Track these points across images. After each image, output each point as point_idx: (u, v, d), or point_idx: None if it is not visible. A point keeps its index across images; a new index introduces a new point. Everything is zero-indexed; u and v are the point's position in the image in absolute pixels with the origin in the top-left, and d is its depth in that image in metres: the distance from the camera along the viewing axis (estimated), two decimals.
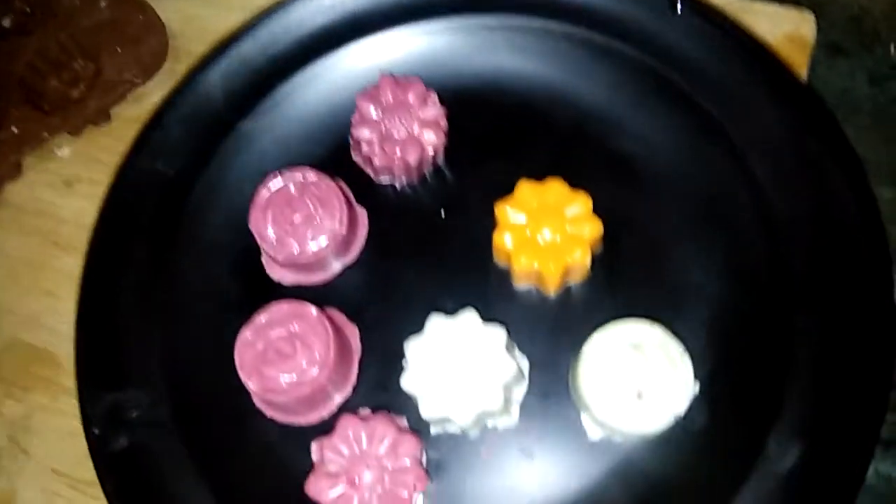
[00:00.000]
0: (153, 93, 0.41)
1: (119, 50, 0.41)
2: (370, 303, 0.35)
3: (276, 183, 0.34)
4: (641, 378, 0.29)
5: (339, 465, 0.30)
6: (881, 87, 0.40)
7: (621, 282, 0.34)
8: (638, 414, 0.29)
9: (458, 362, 0.31)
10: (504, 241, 0.33)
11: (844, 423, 0.30)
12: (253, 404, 0.33)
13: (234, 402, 0.33)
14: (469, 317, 0.31)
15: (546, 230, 0.33)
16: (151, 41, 0.42)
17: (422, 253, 0.36)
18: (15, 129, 0.40)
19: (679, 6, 0.35)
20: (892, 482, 0.34)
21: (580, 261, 0.32)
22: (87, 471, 0.33)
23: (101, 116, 0.41)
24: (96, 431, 0.33)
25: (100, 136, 0.42)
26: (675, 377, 0.29)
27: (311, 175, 0.34)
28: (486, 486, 0.32)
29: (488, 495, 0.32)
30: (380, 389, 0.33)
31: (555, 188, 0.33)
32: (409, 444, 0.30)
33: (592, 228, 0.33)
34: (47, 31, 0.42)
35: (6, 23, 0.42)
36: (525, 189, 0.34)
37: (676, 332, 0.31)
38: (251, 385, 0.32)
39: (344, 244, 0.35)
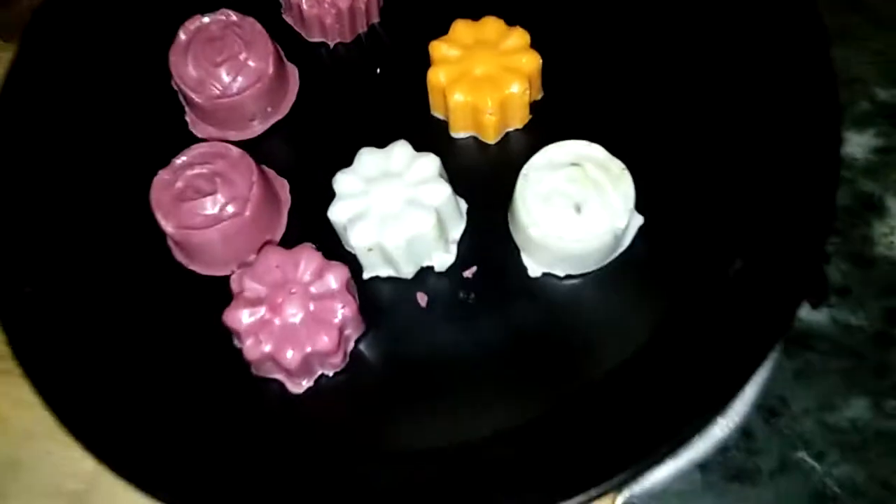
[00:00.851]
0: None
1: None
2: (298, 158, 0.33)
3: (196, 23, 0.32)
4: (580, 192, 0.28)
5: (259, 292, 0.27)
6: None
7: (560, 128, 0.32)
8: (577, 229, 0.27)
9: (389, 188, 0.29)
10: (438, 77, 0.31)
11: (781, 268, 0.28)
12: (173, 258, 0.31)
13: (157, 259, 0.31)
14: (400, 146, 0.30)
15: (481, 64, 0.31)
16: None
17: (355, 109, 0.34)
18: None
19: None
20: (850, 329, 0.32)
21: (518, 96, 0.31)
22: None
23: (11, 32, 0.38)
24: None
25: None
26: (615, 192, 0.28)
27: (234, 15, 0.32)
28: (424, 330, 0.29)
29: (427, 340, 0.29)
30: (310, 238, 0.31)
31: (491, 24, 0.32)
32: (337, 270, 0.28)
33: (530, 60, 0.31)
34: None
35: None
36: (460, 27, 0.32)
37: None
38: (168, 226, 0.29)
39: (272, 95, 0.33)
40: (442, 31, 0.34)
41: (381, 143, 0.32)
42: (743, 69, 0.32)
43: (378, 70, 0.35)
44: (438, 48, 0.32)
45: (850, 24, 0.38)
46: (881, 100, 0.36)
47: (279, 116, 0.34)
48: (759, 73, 0.32)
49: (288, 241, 0.31)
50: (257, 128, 0.34)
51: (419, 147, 0.32)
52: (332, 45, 0.35)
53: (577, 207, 0.28)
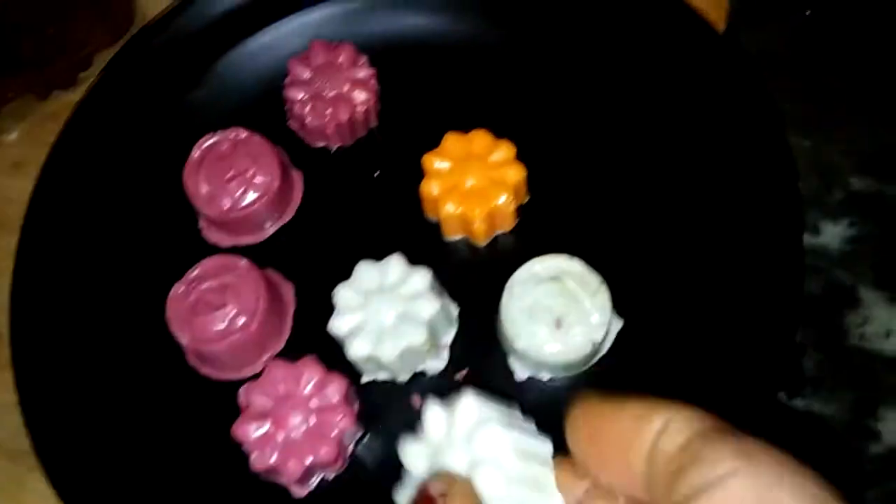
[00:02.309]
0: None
1: (86, 13, 0.42)
2: (305, 260, 0.36)
3: (208, 141, 0.35)
4: (560, 307, 0.30)
5: (265, 407, 0.30)
6: (801, 41, 0.41)
7: (546, 229, 0.35)
8: (558, 342, 0.29)
9: (384, 302, 0.31)
10: (430, 189, 0.34)
11: (753, 362, 0.30)
12: (188, 364, 0.34)
13: (171, 364, 0.34)
14: (395, 260, 0.32)
15: (470, 177, 0.34)
16: (119, 5, 0.42)
17: (355, 212, 0.37)
18: None
19: None
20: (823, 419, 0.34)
21: (505, 206, 0.33)
22: (24, 442, 0.33)
23: (68, 80, 0.42)
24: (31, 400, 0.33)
25: (47, 121, 0.43)
26: (592, 306, 0.30)
27: (244, 133, 0.35)
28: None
29: None
30: (314, 342, 0.34)
31: (480, 137, 0.34)
32: (336, 383, 0.30)
33: (515, 173, 0.33)
34: None
35: None
36: (451, 140, 0.34)
37: (600, 272, 0.32)
38: (182, 338, 0.32)
39: (278, 204, 0.36)
40: (435, 135, 0.36)
41: (379, 243, 0.35)
42: (708, 174, 0.34)
43: (376, 173, 0.37)
44: (431, 161, 0.34)
45: (824, 113, 0.39)
46: (855, 189, 0.38)
47: (286, 220, 0.37)
48: (724, 177, 0.34)
49: (294, 344, 0.34)
50: (266, 232, 0.36)
51: (414, 248, 0.34)
52: (333, 149, 0.38)
53: (558, 322, 0.30)
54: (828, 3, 0.42)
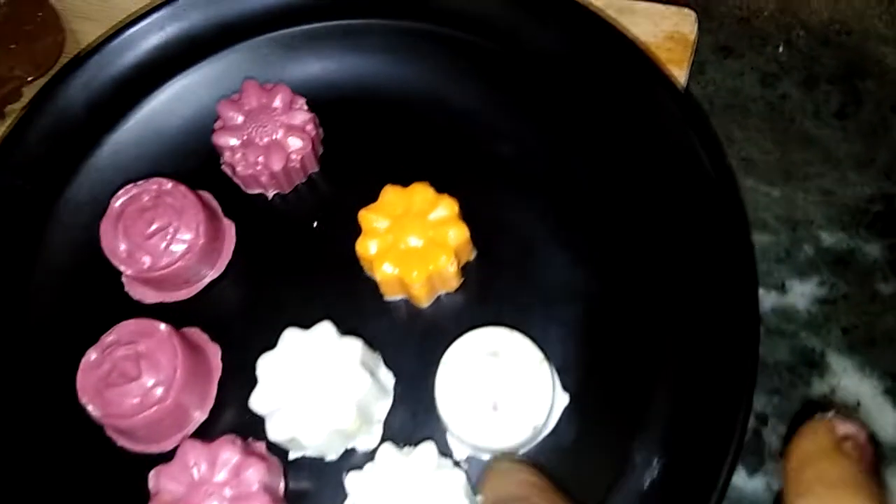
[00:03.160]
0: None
1: (12, 46, 0.40)
2: (234, 320, 0.33)
3: (128, 193, 0.33)
4: (497, 389, 0.27)
5: (176, 494, 0.27)
6: (771, 87, 0.39)
7: (492, 290, 0.32)
8: (495, 427, 0.27)
9: (309, 378, 0.29)
10: (366, 248, 0.31)
11: (705, 435, 0.28)
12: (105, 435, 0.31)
13: (88, 435, 0.31)
14: (324, 329, 0.30)
15: (409, 236, 0.31)
16: (47, 39, 0.40)
17: (291, 266, 0.34)
18: None
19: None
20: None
21: (445, 267, 0.31)
22: None
23: None
24: None
25: None
26: (532, 386, 0.27)
27: (167, 184, 0.33)
28: None
29: None
30: (240, 411, 0.31)
31: (420, 192, 0.32)
32: (255, 469, 0.28)
33: (458, 233, 0.31)
34: None
35: None
36: (390, 194, 0.32)
37: (546, 341, 0.30)
38: (92, 410, 0.30)
39: (206, 258, 0.33)
40: (376, 183, 0.34)
41: (314, 301, 0.33)
42: (661, 232, 0.32)
43: (315, 224, 0.35)
44: (368, 218, 0.32)
45: (799, 160, 0.37)
46: (826, 245, 0.35)
47: (215, 274, 0.34)
48: (676, 235, 0.31)
49: (218, 414, 0.32)
50: (193, 287, 0.34)
51: (350, 309, 0.32)
52: (270, 196, 0.36)
53: (495, 405, 0.27)
54: (801, 39, 0.39)
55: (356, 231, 0.33)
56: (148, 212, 0.32)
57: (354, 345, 0.29)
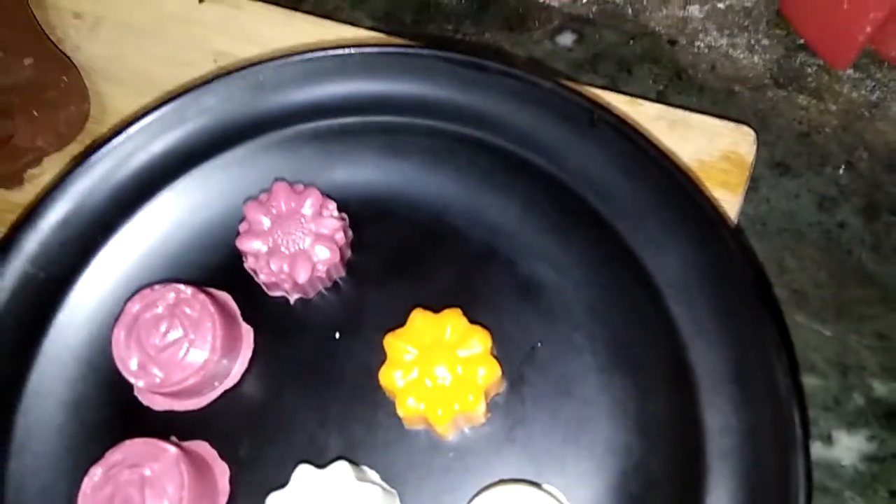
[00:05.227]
0: (54, 170, 0.39)
1: (35, 113, 0.38)
2: (245, 437, 0.31)
3: (144, 298, 0.31)
4: None
5: None
6: (828, 212, 0.36)
7: (521, 428, 0.30)
8: None
9: None
10: (391, 379, 0.30)
11: None
12: None
13: None
14: (340, 470, 0.28)
15: (437, 370, 0.29)
16: (70, 108, 0.39)
17: (308, 381, 0.32)
18: None
19: (598, 120, 0.32)
20: None
21: (472, 407, 0.29)
22: None
23: (11, 181, 0.38)
24: None
25: None
26: None
27: (186, 291, 0.31)
28: None
29: None
30: None
31: (451, 321, 0.30)
32: None
33: (488, 372, 0.29)
34: None
35: None
36: (419, 320, 0.30)
37: (575, 492, 0.28)
38: None
39: (221, 369, 0.32)
40: (408, 292, 0.32)
41: (330, 423, 0.31)
42: (704, 381, 0.30)
43: (337, 335, 0.33)
44: (394, 346, 0.30)
45: (854, 298, 0.35)
46: (878, 396, 0.33)
47: (229, 385, 0.32)
48: (718, 387, 0.29)
49: None
50: (205, 398, 0.32)
51: (368, 432, 0.30)
52: (292, 301, 0.34)
53: None
54: (863, 162, 0.37)
55: (379, 346, 0.31)
56: (163, 321, 0.31)
57: (372, 492, 0.27)
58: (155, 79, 0.40)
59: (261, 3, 0.43)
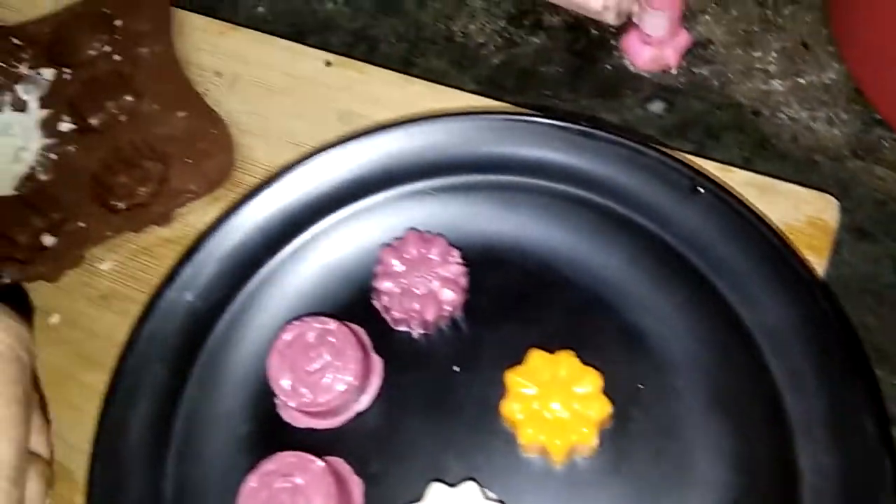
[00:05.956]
0: (200, 211, 0.44)
1: (188, 161, 0.43)
2: (376, 456, 0.35)
3: (295, 330, 0.35)
4: None
5: None
6: None
7: (628, 461, 0.34)
8: None
9: None
10: (512, 410, 0.33)
11: None
12: None
13: None
14: (470, 490, 0.31)
15: (554, 405, 0.33)
16: (218, 157, 0.43)
17: (432, 408, 0.36)
18: (82, 224, 0.43)
19: (700, 188, 0.36)
20: None
21: (586, 440, 0.33)
22: None
23: (164, 219, 0.43)
24: None
25: (139, 254, 0.44)
26: None
27: (332, 325, 0.35)
28: None
29: None
30: None
31: (566, 361, 0.34)
32: None
33: (601, 409, 0.33)
34: (124, 132, 0.44)
35: (92, 120, 0.45)
36: (536, 359, 0.34)
37: None
38: None
39: (357, 394, 0.36)
40: (520, 334, 0.36)
41: (451, 446, 0.35)
42: (800, 428, 0.33)
43: (457, 369, 0.37)
44: (515, 381, 0.34)
45: None
46: None
47: (361, 408, 0.37)
48: (815, 434, 0.32)
49: None
50: (341, 418, 0.36)
51: (485, 456, 0.34)
52: (415, 335, 0.38)
53: None
54: None
55: (494, 380, 0.35)
56: (312, 349, 0.35)
57: None
58: (288, 133, 0.46)
59: (381, 69, 0.48)
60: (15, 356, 0.31)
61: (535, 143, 0.38)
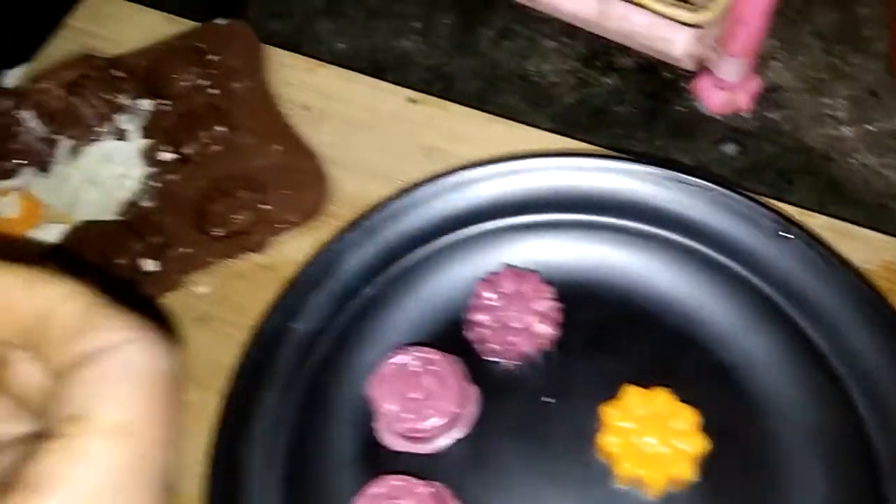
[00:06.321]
0: (291, 239, 0.46)
1: (285, 192, 0.45)
2: (473, 483, 0.37)
3: (399, 358, 0.37)
4: None
5: None
6: None
7: (722, 496, 0.35)
8: None
9: None
10: (609, 444, 0.35)
11: None
12: None
13: None
14: None
15: (651, 439, 0.35)
16: (314, 189, 0.45)
17: (526, 437, 0.38)
18: (185, 250, 0.45)
19: (787, 233, 0.38)
20: None
21: (683, 474, 0.34)
22: None
23: (259, 246, 0.45)
24: None
25: (235, 279, 0.46)
26: None
27: (435, 355, 0.37)
28: None
29: None
30: None
31: (662, 397, 0.35)
32: None
33: (698, 445, 0.34)
34: (222, 163, 0.46)
35: (188, 150, 0.47)
36: (632, 394, 0.36)
37: None
38: None
39: (456, 423, 0.37)
40: (608, 364, 0.37)
41: (546, 475, 0.36)
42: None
43: (549, 400, 0.39)
44: (612, 416, 0.35)
45: None
46: None
47: (458, 436, 0.38)
48: None
49: None
50: (438, 444, 0.38)
51: (580, 487, 0.35)
52: (509, 367, 0.40)
53: None
54: None
55: (586, 412, 0.37)
56: (416, 378, 0.37)
57: None
58: (374, 167, 0.48)
59: (462, 106, 0.50)
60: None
61: (627, 184, 0.40)
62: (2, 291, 0.20)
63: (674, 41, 0.45)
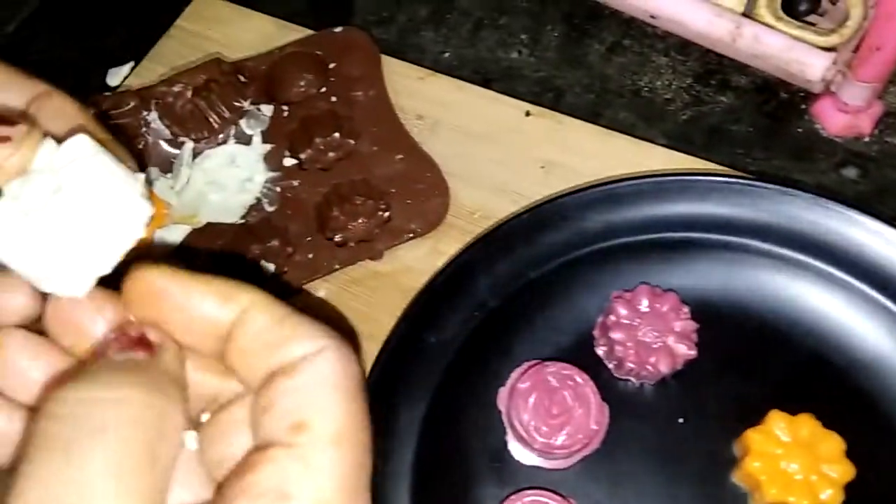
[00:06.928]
0: (406, 247, 0.46)
1: (408, 201, 0.46)
2: (603, 499, 0.37)
3: (535, 372, 0.37)
4: None
5: None
6: None
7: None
8: None
9: None
10: (756, 469, 0.35)
11: None
12: None
13: None
14: None
15: (800, 465, 0.34)
16: (436, 199, 0.46)
17: (658, 457, 0.38)
18: (310, 256, 0.45)
19: None
20: None
21: (831, 500, 0.34)
22: None
23: (378, 254, 0.46)
24: None
25: (352, 285, 0.47)
26: None
27: (573, 370, 0.37)
28: None
29: None
30: None
31: (808, 424, 0.35)
32: None
33: (845, 472, 0.34)
34: (345, 171, 0.47)
35: (309, 156, 0.48)
36: (777, 420, 0.35)
37: None
38: None
39: (588, 439, 0.37)
40: (741, 386, 0.37)
41: (680, 496, 0.36)
42: None
43: (681, 420, 0.39)
44: (758, 441, 0.35)
45: None
46: None
47: (589, 451, 0.38)
48: None
49: None
50: (569, 461, 0.38)
51: None
52: (638, 385, 0.40)
53: None
54: None
55: (722, 436, 0.36)
56: (554, 393, 0.37)
57: None
58: (491, 178, 0.48)
59: (578, 120, 0.50)
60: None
61: (761, 206, 0.40)
62: (199, 303, 0.20)
63: (811, 65, 0.45)
